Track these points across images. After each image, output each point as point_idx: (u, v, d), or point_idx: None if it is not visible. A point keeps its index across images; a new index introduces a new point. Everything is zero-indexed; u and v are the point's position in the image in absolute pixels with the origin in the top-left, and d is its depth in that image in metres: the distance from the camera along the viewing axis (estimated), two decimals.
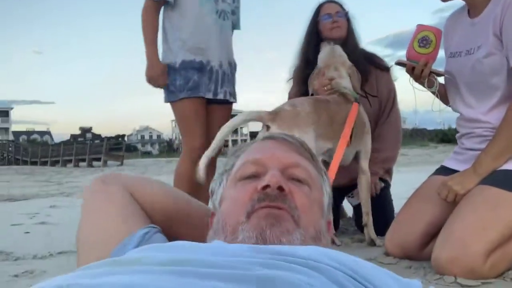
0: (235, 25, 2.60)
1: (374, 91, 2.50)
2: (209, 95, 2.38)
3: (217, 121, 2.32)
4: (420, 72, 1.87)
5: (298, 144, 0.90)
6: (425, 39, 1.86)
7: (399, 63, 1.98)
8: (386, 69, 2.57)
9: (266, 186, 0.76)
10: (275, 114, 1.86)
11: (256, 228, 0.72)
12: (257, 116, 1.87)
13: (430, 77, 1.90)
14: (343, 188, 2.56)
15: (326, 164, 2.23)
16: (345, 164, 2.24)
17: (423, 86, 1.92)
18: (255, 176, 0.81)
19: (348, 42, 2.41)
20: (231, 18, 2.50)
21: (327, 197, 0.89)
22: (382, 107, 2.54)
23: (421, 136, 30.34)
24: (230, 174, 0.87)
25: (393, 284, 0.64)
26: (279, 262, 0.57)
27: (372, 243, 2.19)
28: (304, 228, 0.76)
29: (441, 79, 1.96)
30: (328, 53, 2.27)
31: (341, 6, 2.46)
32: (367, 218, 2.21)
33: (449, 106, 2.00)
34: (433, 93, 1.92)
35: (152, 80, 2.35)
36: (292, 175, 0.82)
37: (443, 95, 2.00)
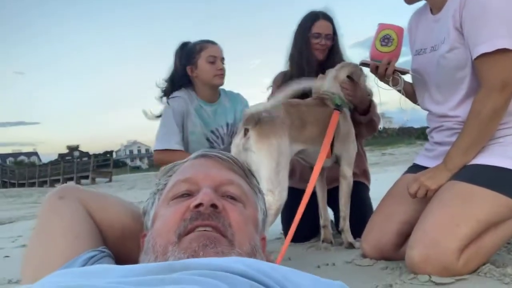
0: None
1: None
2: None
3: None
4: (384, 71, 1.87)
5: (231, 161, 0.88)
6: (386, 38, 1.85)
7: (363, 64, 1.97)
8: None
9: (199, 205, 0.74)
10: (255, 119, 1.83)
11: (187, 249, 0.70)
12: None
13: (395, 75, 1.89)
14: None
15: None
16: (325, 166, 2.24)
17: (388, 85, 1.92)
18: (188, 195, 0.80)
19: (329, 62, 2.43)
20: None
21: (261, 213, 0.88)
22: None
23: (408, 135, 30.49)
24: (162, 193, 0.85)
25: (310, 285, 0.64)
26: (180, 277, 0.56)
27: (350, 246, 2.18)
28: (239, 246, 0.74)
29: (407, 77, 1.96)
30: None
31: (332, 25, 2.46)
32: (344, 223, 2.22)
33: (418, 104, 1.99)
34: (399, 91, 1.91)
35: None
36: (225, 193, 0.81)
37: (410, 94, 1.99)
